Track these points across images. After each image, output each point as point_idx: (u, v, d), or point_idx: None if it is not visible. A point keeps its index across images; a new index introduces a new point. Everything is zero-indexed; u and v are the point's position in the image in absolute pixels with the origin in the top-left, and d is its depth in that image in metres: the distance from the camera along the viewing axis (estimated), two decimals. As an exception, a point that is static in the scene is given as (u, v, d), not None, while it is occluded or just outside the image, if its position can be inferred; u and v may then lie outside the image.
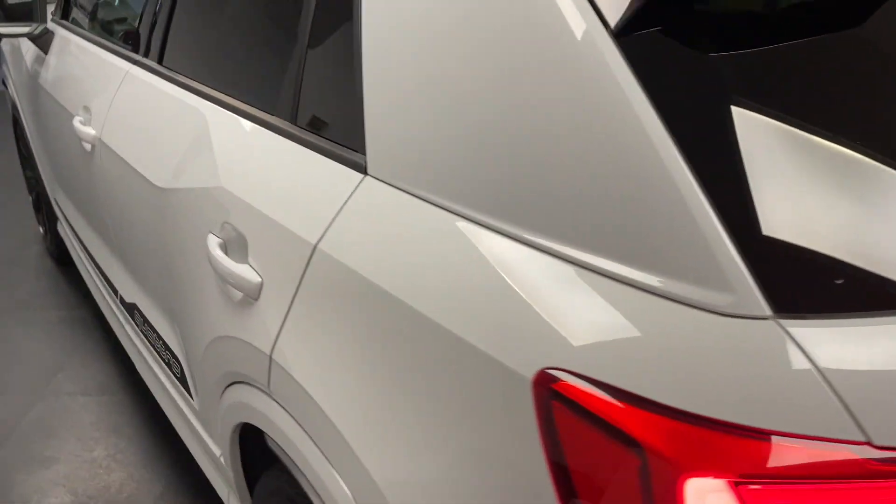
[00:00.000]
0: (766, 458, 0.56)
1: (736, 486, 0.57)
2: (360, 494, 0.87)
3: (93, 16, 2.25)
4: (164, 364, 1.60)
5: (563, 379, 0.64)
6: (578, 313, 0.66)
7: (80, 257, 2.36)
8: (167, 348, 1.54)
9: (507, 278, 0.71)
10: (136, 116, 1.57)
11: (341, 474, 0.90)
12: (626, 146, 0.65)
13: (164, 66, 1.54)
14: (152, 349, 1.65)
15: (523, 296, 0.69)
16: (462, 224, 0.77)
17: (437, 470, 0.77)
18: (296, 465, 1.03)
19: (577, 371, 0.64)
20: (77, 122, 1.80)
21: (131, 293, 1.71)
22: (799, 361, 0.57)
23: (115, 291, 1.86)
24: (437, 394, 0.77)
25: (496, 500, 0.72)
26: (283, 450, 1.07)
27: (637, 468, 0.60)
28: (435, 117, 0.81)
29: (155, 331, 1.59)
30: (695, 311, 0.61)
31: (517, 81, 0.72)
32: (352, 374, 0.88)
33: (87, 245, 2.17)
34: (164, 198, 1.33)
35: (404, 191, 0.84)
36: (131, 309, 1.73)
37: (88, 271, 2.28)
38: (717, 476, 0.57)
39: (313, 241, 0.92)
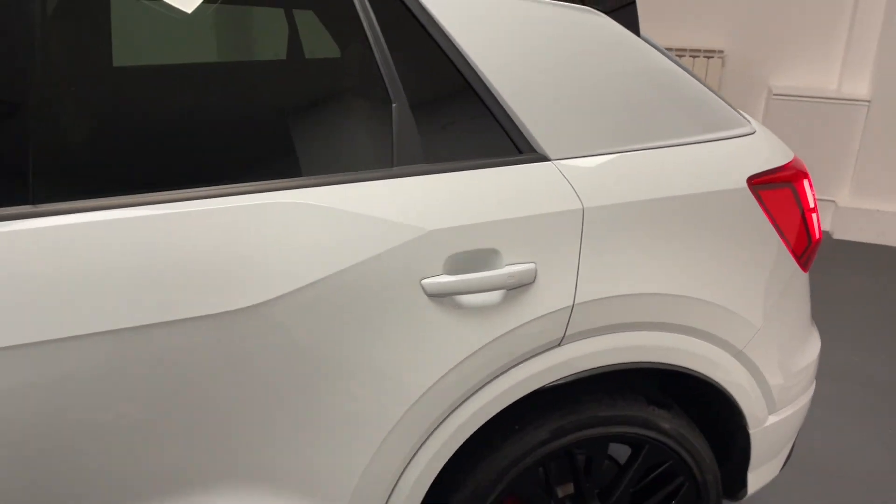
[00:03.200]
0: None
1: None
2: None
3: None
4: None
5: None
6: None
7: None
8: None
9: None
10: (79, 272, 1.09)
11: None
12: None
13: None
14: None
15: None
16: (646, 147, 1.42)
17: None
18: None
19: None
20: None
21: None
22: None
23: None
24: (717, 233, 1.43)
25: (772, 271, 1.50)
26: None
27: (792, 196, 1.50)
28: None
29: None
30: None
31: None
32: (673, 259, 1.40)
33: None
34: (250, 319, 1.16)
35: (594, 154, 1.37)
36: None
37: None
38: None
39: (580, 207, 1.32)
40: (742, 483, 1.67)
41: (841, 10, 4.50)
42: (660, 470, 1.58)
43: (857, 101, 4.42)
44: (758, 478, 1.69)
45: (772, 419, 1.61)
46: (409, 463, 1.33)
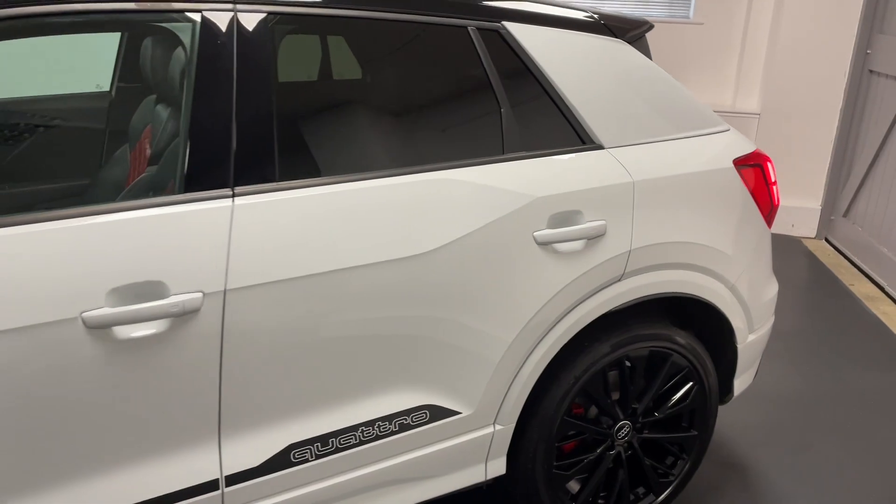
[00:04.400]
0: None
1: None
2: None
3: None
4: (395, 433, 1.70)
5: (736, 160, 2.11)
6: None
7: None
8: (393, 417, 1.69)
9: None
10: (313, 232, 1.51)
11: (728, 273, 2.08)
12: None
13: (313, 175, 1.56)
14: (370, 444, 1.68)
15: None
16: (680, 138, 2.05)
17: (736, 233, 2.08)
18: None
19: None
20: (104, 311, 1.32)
21: (280, 438, 1.58)
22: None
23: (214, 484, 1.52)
24: (727, 205, 2.06)
25: (751, 226, 2.13)
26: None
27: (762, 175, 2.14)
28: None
29: (366, 424, 1.66)
30: None
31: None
32: (689, 219, 1.98)
33: None
34: (428, 260, 1.61)
35: (632, 144, 1.94)
36: (284, 457, 1.58)
37: None
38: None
39: (631, 180, 1.86)
40: (729, 388, 2.26)
41: (733, 39, 5.36)
42: (677, 378, 2.13)
43: (748, 114, 5.28)
44: (740, 384, 2.28)
45: (751, 337, 2.21)
46: (520, 369, 1.81)
